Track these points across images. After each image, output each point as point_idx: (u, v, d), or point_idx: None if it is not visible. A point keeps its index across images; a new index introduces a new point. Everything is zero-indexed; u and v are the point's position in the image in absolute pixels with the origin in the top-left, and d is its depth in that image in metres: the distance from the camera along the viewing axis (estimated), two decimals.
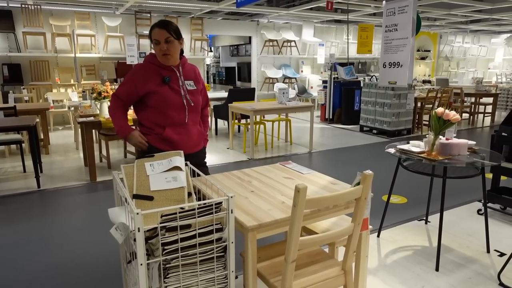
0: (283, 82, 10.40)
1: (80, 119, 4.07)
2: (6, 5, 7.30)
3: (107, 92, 4.27)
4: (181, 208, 1.41)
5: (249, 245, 1.48)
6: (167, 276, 1.40)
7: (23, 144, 4.52)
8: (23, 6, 7.23)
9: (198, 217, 1.40)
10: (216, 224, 1.43)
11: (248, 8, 8.27)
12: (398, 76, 2.98)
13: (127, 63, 7.24)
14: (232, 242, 1.46)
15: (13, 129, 3.75)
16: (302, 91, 9.72)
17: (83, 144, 4.89)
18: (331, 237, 1.45)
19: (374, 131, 6.99)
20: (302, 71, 10.80)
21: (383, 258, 2.48)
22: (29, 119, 4.04)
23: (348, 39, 8.41)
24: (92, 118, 4.11)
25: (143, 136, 2.06)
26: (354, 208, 1.52)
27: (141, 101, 2.07)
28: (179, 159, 1.83)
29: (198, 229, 1.41)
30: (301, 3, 8.43)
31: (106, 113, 4.22)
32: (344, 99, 7.83)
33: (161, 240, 1.35)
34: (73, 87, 7.68)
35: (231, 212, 1.43)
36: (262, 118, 6.12)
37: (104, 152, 5.41)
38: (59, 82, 7.60)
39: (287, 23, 10.67)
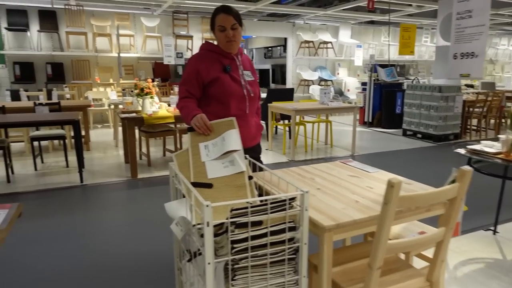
0: (319, 85, 10.17)
1: (123, 115, 4.05)
2: (50, 6, 7.51)
3: (149, 89, 4.24)
4: (250, 203, 1.26)
5: (324, 248, 1.31)
6: (234, 278, 1.25)
7: (65, 140, 4.59)
8: (66, 7, 7.42)
9: (271, 213, 1.25)
10: (289, 222, 1.28)
11: (285, 8, 8.14)
12: (472, 68, 2.71)
13: (164, 63, 7.27)
14: (305, 244, 1.30)
15: (59, 123, 3.76)
16: (339, 94, 9.45)
17: (124, 141, 4.89)
18: (422, 242, 1.26)
19: (419, 136, 6.64)
20: (338, 74, 10.53)
21: (452, 270, 2.24)
22: (73, 114, 4.05)
23: (388, 40, 8.09)
24: (134, 115, 4.08)
25: (208, 121, 1.76)
26: (447, 209, 1.32)
27: (203, 92, 1.94)
28: (233, 137, 1.69)
29: (270, 226, 1.26)
30: (340, 2, 8.21)
31: (148, 110, 4.18)
32: (384, 102, 7.51)
33: (231, 237, 1.21)
34: (112, 86, 7.79)
35: (306, 210, 1.27)
36: (301, 119, 5.94)
37: (144, 149, 5.40)
38: (98, 81, 7.73)
39: (323, 24, 10.45)
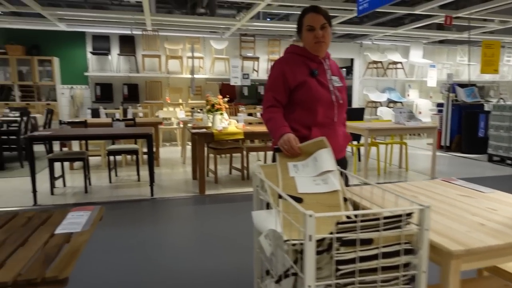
0: (387, 107, 9.68)
1: (193, 130, 4.07)
2: (130, 32, 8.09)
3: (220, 105, 4.24)
4: (357, 215, 1.06)
5: (450, 280, 1.06)
6: None
7: (138, 155, 4.78)
8: (143, 32, 7.94)
9: (384, 230, 1.04)
10: (404, 244, 1.05)
11: (353, 28, 7.94)
12: None
13: (231, 84, 7.38)
14: (424, 272, 1.06)
15: (134, 136, 3.88)
16: (410, 117, 8.88)
17: (192, 158, 4.93)
18: None
19: (508, 162, 5.91)
20: (408, 95, 9.96)
21: None
22: (147, 129, 4.16)
23: (468, 58, 7.48)
24: (204, 130, 4.08)
25: (297, 142, 1.58)
26: None
27: (288, 99, 1.80)
28: (326, 157, 1.51)
29: (382, 247, 1.04)
30: (411, 21, 7.83)
31: (218, 125, 4.17)
32: (464, 124, 6.87)
33: (336, 257, 1.01)
34: (181, 106, 8.07)
35: (426, 229, 1.04)
36: (373, 139, 5.59)
37: (211, 166, 5.41)
38: (169, 101, 8.07)
39: (393, 44, 10.04)
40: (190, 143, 7.51)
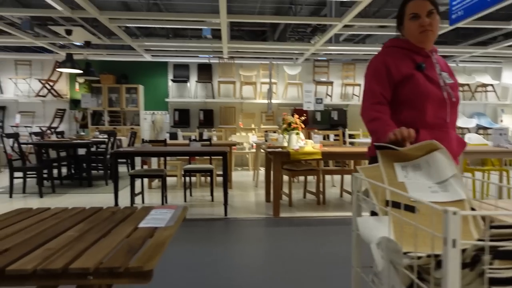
0: (476, 133, 8.74)
1: (269, 149, 3.96)
2: (207, 61, 8.48)
3: (296, 124, 4.10)
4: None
5: None
6: None
7: (213, 174, 4.84)
8: (220, 61, 8.25)
9: None
10: None
11: (440, 49, 7.41)
12: None
13: (304, 108, 7.26)
14: None
15: (211, 153, 3.87)
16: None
17: (266, 180, 4.80)
18: None
19: None
20: (502, 121, 8.92)
21: None
22: (223, 148, 4.15)
23: None
24: (280, 149, 3.95)
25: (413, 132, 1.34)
26: None
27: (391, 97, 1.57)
28: (442, 159, 1.24)
29: None
30: (505, 38, 7.09)
31: (294, 145, 4.01)
32: None
33: (490, 273, 0.75)
34: (254, 131, 8.11)
35: None
36: (466, 165, 4.98)
37: (285, 189, 5.23)
38: (242, 126, 8.16)
39: (481, 66, 9.20)
40: (262, 169, 7.46)
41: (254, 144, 7.64)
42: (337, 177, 6.66)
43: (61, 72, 8.22)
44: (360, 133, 7.68)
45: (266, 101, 8.27)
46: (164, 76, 8.44)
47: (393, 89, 1.52)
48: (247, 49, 7.72)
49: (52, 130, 7.92)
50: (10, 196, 4.90)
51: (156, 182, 6.15)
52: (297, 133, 4.14)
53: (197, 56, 8.61)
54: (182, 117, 8.30)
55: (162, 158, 5.99)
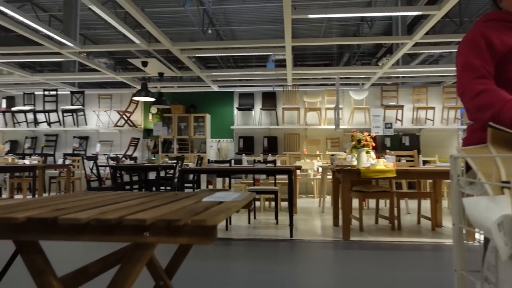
0: None
1: (337, 168, 3.74)
2: (272, 89, 8.59)
3: (366, 141, 3.85)
4: None
5: None
6: None
7: (277, 196, 4.71)
8: (284, 89, 8.31)
9: None
10: None
11: None
12: None
13: (372, 134, 6.90)
14: None
15: (276, 171, 3.76)
16: None
17: (333, 203, 4.53)
18: None
19: None
20: None
21: None
22: (288, 168, 4.02)
23: None
24: (349, 168, 3.71)
25: None
26: None
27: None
28: None
29: None
30: None
31: (364, 163, 3.75)
32: None
33: None
34: (318, 157, 7.88)
35: None
36: None
37: (354, 213, 4.89)
38: (306, 153, 7.99)
39: None
40: (328, 197, 7.14)
41: (319, 172, 7.39)
42: (412, 205, 6.11)
43: (136, 104, 8.87)
44: (436, 159, 7.06)
45: (331, 127, 8.06)
46: (230, 105, 8.68)
47: (495, 65, 1.30)
48: (312, 75, 7.69)
49: (127, 156, 8.46)
50: None
51: None
52: (367, 151, 3.89)
53: (262, 85, 8.79)
54: (247, 144, 8.38)
55: (227, 181, 6.00)
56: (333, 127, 8.08)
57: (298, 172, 7.20)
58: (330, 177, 6.93)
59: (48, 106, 8.95)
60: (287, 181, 6.07)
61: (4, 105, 9.18)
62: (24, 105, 9.07)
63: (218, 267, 2.75)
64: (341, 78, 7.82)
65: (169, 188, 6.22)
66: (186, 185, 7.37)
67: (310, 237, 3.76)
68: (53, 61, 10.54)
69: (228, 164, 4.86)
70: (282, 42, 5.61)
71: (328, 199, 7.19)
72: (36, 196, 6.97)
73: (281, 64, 9.47)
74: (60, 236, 0.74)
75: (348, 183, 3.66)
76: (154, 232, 0.73)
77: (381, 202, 6.71)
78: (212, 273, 2.61)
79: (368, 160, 3.85)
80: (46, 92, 8.84)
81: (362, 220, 4.24)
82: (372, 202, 6.61)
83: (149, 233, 0.72)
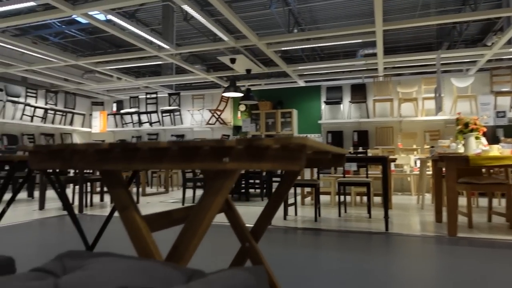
0: None
1: (440, 155, 3.35)
2: (361, 81, 8.18)
3: (475, 124, 3.38)
4: None
5: None
6: None
7: (370, 189, 4.42)
8: (375, 79, 7.84)
9: None
10: None
11: None
12: None
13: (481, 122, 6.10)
14: None
15: (369, 159, 3.53)
16: None
17: (436, 197, 4.09)
18: None
19: None
20: None
21: None
22: (382, 156, 3.74)
23: None
24: (455, 155, 3.29)
25: None
26: None
27: None
28: None
29: None
30: None
31: (473, 149, 3.29)
32: None
33: None
34: (415, 152, 7.26)
35: None
36: None
37: (461, 208, 4.35)
38: (401, 147, 7.42)
39: None
40: (427, 195, 6.51)
41: (416, 167, 6.79)
42: None
43: (226, 103, 9.22)
44: None
45: (429, 118, 7.35)
46: (317, 99, 8.50)
47: None
48: (406, 63, 7.12)
49: None
50: (183, 204, 5.53)
51: (308, 200, 6.04)
52: (477, 137, 3.41)
53: (350, 78, 8.43)
54: (336, 138, 8.11)
55: (315, 172, 5.86)
56: (432, 118, 7.36)
57: (392, 167, 6.71)
58: (430, 173, 6.32)
59: (150, 108, 9.83)
60: (379, 175, 5.68)
61: (114, 108, 10.35)
62: (130, 107, 10.10)
63: (309, 255, 2.65)
64: (441, 64, 7.08)
65: (258, 181, 6.30)
66: (273, 179, 7.40)
67: (407, 231, 3.43)
68: (153, 68, 11.58)
69: None
70: (372, 27, 5.28)
71: (428, 196, 6.55)
72: (140, 189, 7.69)
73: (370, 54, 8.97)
74: (140, 165, 0.74)
75: (454, 172, 3.25)
76: (235, 157, 0.67)
77: (494, 201, 5.88)
78: (303, 260, 2.52)
79: (478, 146, 3.37)
80: (148, 95, 9.72)
81: (472, 216, 3.73)
82: (482, 201, 5.84)
83: (228, 159, 0.67)
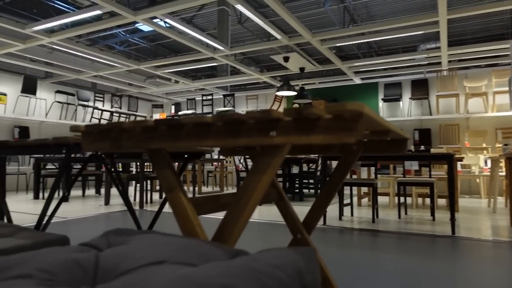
0: None
1: None
2: (423, 76, 7.70)
3: None
4: None
5: None
6: None
7: (433, 189, 4.12)
8: (438, 74, 7.34)
9: None
10: None
11: None
12: None
13: None
14: None
15: (433, 157, 3.29)
16: None
17: (510, 196, 3.70)
18: None
19: None
20: None
21: None
22: (447, 153, 3.46)
23: None
24: None
25: None
26: None
27: None
28: None
29: None
30: None
31: None
32: None
33: None
34: (485, 151, 6.66)
35: None
36: None
37: None
38: (468, 146, 6.85)
39: None
40: (500, 198, 5.93)
41: (486, 167, 6.23)
42: None
43: (280, 102, 9.20)
44: None
45: (501, 114, 6.71)
46: (374, 97, 8.16)
47: None
48: (474, 55, 6.58)
49: None
50: None
51: (365, 201, 5.80)
52: None
53: (410, 73, 7.98)
54: None
55: (372, 172, 5.62)
56: (505, 114, 6.71)
57: (458, 168, 6.21)
58: (503, 173, 5.76)
59: (206, 109, 10.10)
60: (443, 176, 5.29)
61: (173, 110, 10.80)
62: (187, 109, 10.48)
63: (366, 255, 2.52)
64: None
65: (312, 181, 6.19)
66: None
67: (478, 236, 3.13)
68: (208, 71, 11.92)
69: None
70: (434, 16, 4.94)
71: (501, 200, 5.98)
72: (196, 187, 7.91)
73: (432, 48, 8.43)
74: (186, 142, 0.72)
75: None
76: (283, 131, 0.62)
77: None
78: (359, 260, 2.40)
79: None
80: (204, 97, 10.00)
81: None
82: None
83: (276, 132, 0.62)
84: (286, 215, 1.18)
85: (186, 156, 1.86)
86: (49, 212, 4.21)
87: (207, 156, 10.12)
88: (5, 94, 7.66)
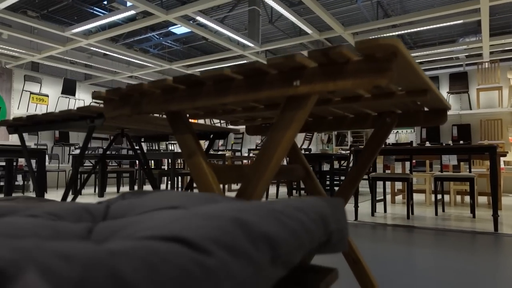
0: None
1: None
2: (462, 69, 7.35)
3: None
4: None
5: None
6: None
7: (474, 187, 3.90)
8: (479, 66, 6.97)
9: None
10: None
11: None
12: None
13: None
14: None
15: (471, 149, 3.11)
16: None
17: None
18: None
19: None
20: None
21: None
22: (489, 145, 3.26)
23: None
24: None
25: None
26: None
27: None
28: None
29: None
30: None
31: None
32: None
33: None
34: None
35: None
36: None
37: None
38: None
39: None
40: None
41: None
42: None
43: None
44: None
45: None
46: None
47: None
48: None
49: (302, 149, 8.75)
50: (266, 198, 5.55)
51: (399, 198, 5.60)
52: None
53: (448, 66, 7.63)
54: (431, 133, 7.40)
55: (407, 167, 5.41)
56: None
57: (501, 165, 5.86)
58: None
59: None
60: (484, 172, 5.00)
61: None
62: None
63: (402, 251, 2.42)
64: None
65: (343, 178, 6.05)
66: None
67: None
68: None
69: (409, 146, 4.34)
70: (475, 3, 4.69)
71: None
72: (226, 185, 7.96)
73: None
74: (206, 100, 0.69)
75: None
76: (307, 78, 0.58)
77: None
78: (395, 255, 2.31)
79: None
80: None
81: None
82: None
83: (300, 81, 0.58)
84: (313, 192, 1.13)
85: (212, 136, 1.85)
86: None
87: (237, 154, 10.17)
88: (47, 95, 8.05)
